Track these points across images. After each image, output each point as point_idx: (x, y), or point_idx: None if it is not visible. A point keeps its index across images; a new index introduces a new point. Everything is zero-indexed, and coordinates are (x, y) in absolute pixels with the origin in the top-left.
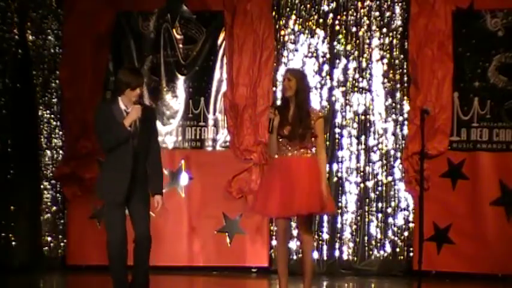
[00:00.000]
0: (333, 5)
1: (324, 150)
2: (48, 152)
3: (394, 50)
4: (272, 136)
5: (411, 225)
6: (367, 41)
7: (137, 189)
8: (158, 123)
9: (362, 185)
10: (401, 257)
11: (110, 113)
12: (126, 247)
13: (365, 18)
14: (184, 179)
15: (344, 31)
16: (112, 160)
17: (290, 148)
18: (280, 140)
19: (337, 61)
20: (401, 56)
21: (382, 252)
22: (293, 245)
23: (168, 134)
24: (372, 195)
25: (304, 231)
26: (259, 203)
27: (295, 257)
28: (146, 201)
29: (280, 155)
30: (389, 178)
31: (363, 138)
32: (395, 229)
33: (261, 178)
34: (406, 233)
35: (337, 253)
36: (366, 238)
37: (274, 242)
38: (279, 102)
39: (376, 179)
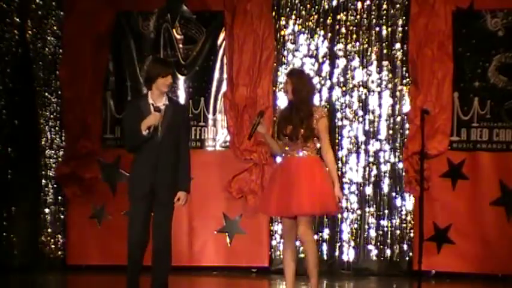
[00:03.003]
0: (333, 4)
1: (330, 149)
2: (48, 152)
3: (394, 50)
4: (270, 141)
5: (411, 225)
6: (367, 41)
7: (164, 187)
8: None
9: (362, 184)
10: (401, 257)
11: (137, 111)
12: (144, 247)
13: (365, 18)
14: None
15: (344, 31)
16: (139, 157)
17: (292, 148)
18: (283, 140)
19: (337, 61)
20: (402, 56)
21: (382, 252)
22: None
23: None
24: (372, 195)
25: (302, 232)
26: (260, 202)
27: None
28: (171, 203)
29: (285, 155)
30: (390, 178)
31: (362, 138)
32: (396, 229)
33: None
34: (406, 233)
35: (337, 253)
36: (366, 238)
37: (274, 242)
38: (279, 102)
39: (376, 179)
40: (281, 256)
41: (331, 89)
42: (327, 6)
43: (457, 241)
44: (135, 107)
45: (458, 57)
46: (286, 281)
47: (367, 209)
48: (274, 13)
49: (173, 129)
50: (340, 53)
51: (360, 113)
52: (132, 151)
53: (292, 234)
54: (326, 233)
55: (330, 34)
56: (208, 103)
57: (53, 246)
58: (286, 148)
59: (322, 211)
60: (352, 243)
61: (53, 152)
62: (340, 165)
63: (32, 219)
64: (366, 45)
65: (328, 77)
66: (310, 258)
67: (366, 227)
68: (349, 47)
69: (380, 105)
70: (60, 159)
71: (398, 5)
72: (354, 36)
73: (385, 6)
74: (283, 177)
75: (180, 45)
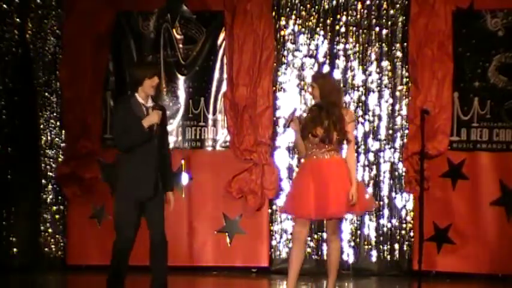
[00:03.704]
0: (333, 4)
1: (354, 152)
2: (48, 152)
3: (394, 50)
4: (297, 138)
5: (411, 225)
6: (367, 40)
7: (157, 189)
8: None
9: None
10: (401, 257)
11: (129, 111)
12: (131, 249)
13: (365, 18)
14: (184, 179)
15: (344, 31)
16: (135, 158)
17: (322, 150)
18: (310, 139)
19: (337, 61)
20: (402, 56)
21: (382, 252)
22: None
23: (168, 134)
24: (372, 195)
25: (333, 234)
26: (291, 204)
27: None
28: (163, 204)
29: (311, 156)
30: (390, 178)
31: (362, 138)
32: (396, 229)
33: (293, 180)
34: (406, 233)
35: None
36: (366, 238)
37: (274, 242)
38: (278, 103)
39: (376, 179)
40: (281, 256)
41: None
42: (327, 6)
43: (457, 241)
44: (127, 107)
45: (458, 57)
46: (288, 280)
47: None
48: (274, 13)
49: (162, 131)
50: (340, 53)
51: (360, 113)
52: (128, 151)
53: (303, 234)
54: (326, 233)
55: (330, 34)
56: (208, 103)
57: (53, 246)
58: (313, 149)
59: (362, 210)
60: (352, 243)
61: (53, 152)
62: None
63: (32, 219)
64: (366, 45)
65: None
66: (335, 259)
67: (366, 226)
68: (349, 47)
69: (380, 105)
70: (60, 159)
71: (398, 5)
72: (354, 36)
73: (385, 6)
74: (316, 180)
75: (180, 45)
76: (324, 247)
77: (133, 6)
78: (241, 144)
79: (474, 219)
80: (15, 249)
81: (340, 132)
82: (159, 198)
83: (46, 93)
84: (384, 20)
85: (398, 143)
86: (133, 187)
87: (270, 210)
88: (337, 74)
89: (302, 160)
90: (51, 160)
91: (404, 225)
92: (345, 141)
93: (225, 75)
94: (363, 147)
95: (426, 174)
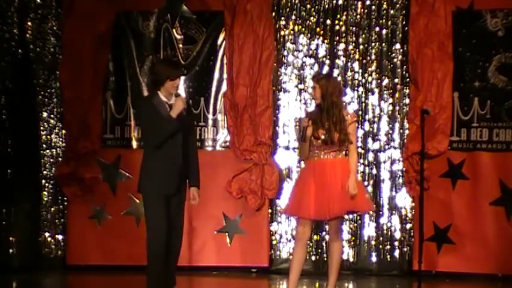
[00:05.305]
0: (333, 5)
1: (356, 152)
2: (48, 152)
3: (394, 50)
4: (304, 144)
5: (411, 225)
6: (367, 40)
7: (181, 186)
8: None
9: None
10: (401, 257)
11: (154, 108)
12: (169, 243)
13: (365, 18)
14: None
15: (344, 31)
16: (160, 154)
17: (325, 151)
18: (315, 142)
19: (337, 61)
20: (401, 56)
21: (381, 252)
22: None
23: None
24: (372, 195)
25: (335, 234)
26: (292, 205)
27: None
28: (183, 206)
29: (313, 157)
30: (389, 178)
31: (362, 138)
32: (395, 229)
33: (295, 181)
34: (406, 233)
35: None
36: (366, 238)
37: (274, 242)
38: (278, 103)
39: (376, 179)
40: (281, 256)
41: None
42: (327, 6)
43: (457, 241)
44: (150, 104)
45: (458, 57)
46: (289, 280)
47: None
48: (274, 13)
49: (185, 128)
50: (340, 53)
51: (360, 113)
52: (161, 146)
53: (306, 235)
54: (326, 233)
55: (329, 34)
56: (208, 103)
57: (53, 246)
58: (316, 150)
59: (361, 209)
60: (352, 243)
61: (53, 152)
62: None
63: (32, 219)
64: (366, 45)
65: None
66: (337, 259)
67: (366, 226)
68: (349, 47)
69: (380, 105)
70: (60, 159)
71: (398, 5)
72: (354, 36)
73: (385, 6)
74: (318, 180)
75: (180, 45)
76: (324, 247)
77: (133, 6)
78: (241, 144)
79: (474, 219)
80: (15, 249)
81: (341, 132)
82: (183, 198)
83: (46, 93)
84: (383, 20)
85: (398, 143)
86: (159, 182)
87: (270, 210)
88: (337, 74)
89: (302, 163)
90: (51, 160)
91: (404, 225)
92: (346, 142)
93: (225, 75)
94: (362, 146)
95: (426, 174)
